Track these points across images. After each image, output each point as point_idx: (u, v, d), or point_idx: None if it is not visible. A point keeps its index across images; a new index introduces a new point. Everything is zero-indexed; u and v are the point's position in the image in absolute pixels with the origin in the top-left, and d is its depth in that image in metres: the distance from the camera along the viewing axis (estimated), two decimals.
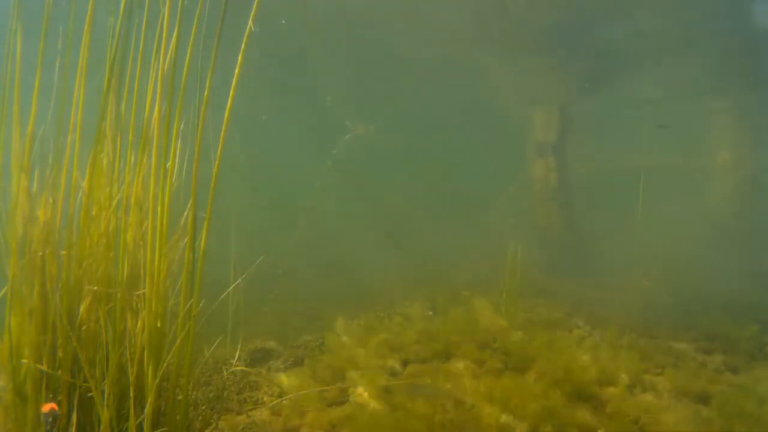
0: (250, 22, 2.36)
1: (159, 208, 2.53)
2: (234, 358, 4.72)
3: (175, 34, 2.52)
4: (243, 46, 2.41)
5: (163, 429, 2.61)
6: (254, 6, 2.35)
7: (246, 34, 2.37)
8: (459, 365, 5.26)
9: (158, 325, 2.55)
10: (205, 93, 2.44)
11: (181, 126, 2.55)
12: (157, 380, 2.52)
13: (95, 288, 2.65)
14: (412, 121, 19.02)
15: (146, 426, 2.50)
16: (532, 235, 12.69)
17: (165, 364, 2.56)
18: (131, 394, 2.43)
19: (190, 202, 2.53)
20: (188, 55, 2.50)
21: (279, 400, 4.15)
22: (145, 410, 2.50)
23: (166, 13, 2.46)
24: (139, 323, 2.60)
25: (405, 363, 5.40)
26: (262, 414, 4.11)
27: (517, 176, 14.71)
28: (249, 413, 4.13)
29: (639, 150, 19.96)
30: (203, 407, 3.69)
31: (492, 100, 15.25)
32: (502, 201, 15.18)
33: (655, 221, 15.64)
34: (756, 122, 14.58)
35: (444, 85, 13.95)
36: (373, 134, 14.53)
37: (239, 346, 5.05)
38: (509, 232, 12.39)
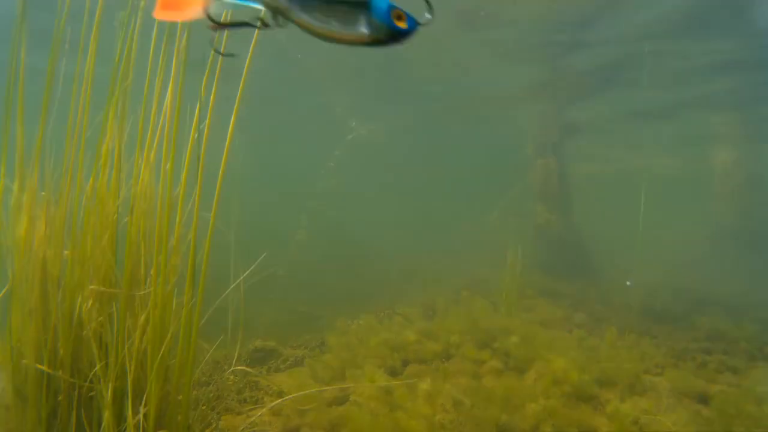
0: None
1: (165, 208, 2.53)
2: (234, 358, 4.72)
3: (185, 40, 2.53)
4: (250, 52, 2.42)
5: (163, 430, 2.62)
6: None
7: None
8: (459, 365, 5.26)
9: (162, 325, 2.55)
10: (212, 97, 2.44)
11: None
12: (157, 379, 2.52)
13: (99, 288, 2.66)
14: (413, 121, 19.04)
15: (147, 427, 2.50)
16: (532, 235, 12.69)
17: (166, 365, 2.56)
18: (130, 395, 2.43)
19: (195, 202, 2.53)
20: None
21: (279, 400, 4.15)
22: (147, 411, 2.50)
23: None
24: (141, 323, 2.60)
25: (405, 363, 5.40)
26: (262, 414, 4.11)
27: (518, 176, 14.72)
28: (249, 413, 4.13)
29: (640, 150, 19.99)
30: (203, 407, 3.69)
31: (493, 101, 15.26)
32: (503, 201, 15.19)
33: (657, 222, 15.66)
34: (757, 122, 14.59)
35: (446, 85, 13.96)
36: (375, 135, 14.54)
37: (239, 346, 5.05)
38: (509, 232, 12.39)
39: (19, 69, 2.72)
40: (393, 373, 5.18)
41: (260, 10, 1.40)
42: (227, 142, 2.48)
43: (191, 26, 2.58)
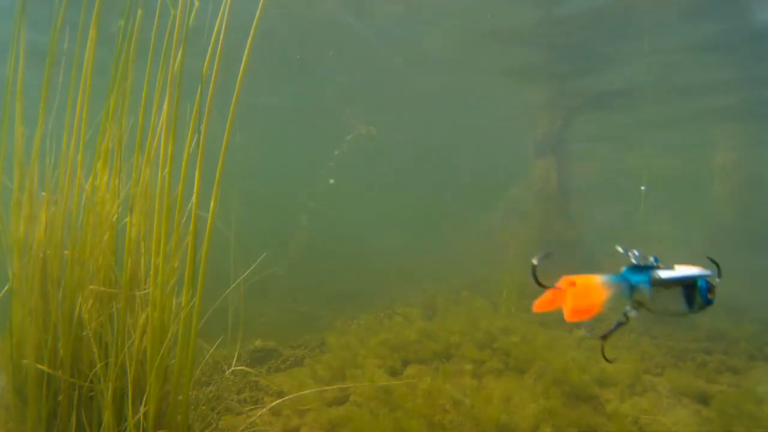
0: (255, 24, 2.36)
1: (164, 208, 2.53)
2: (234, 358, 4.72)
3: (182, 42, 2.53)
4: (247, 49, 2.42)
5: (163, 430, 2.62)
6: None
7: (250, 36, 2.37)
8: (459, 365, 5.26)
9: (162, 326, 2.55)
10: (209, 96, 2.44)
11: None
12: (157, 379, 2.52)
13: (99, 288, 2.66)
14: (415, 121, 19.04)
15: (147, 426, 2.51)
16: (532, 236, 12.68)
17: (166, 365, 2.56)
18: (130, 395, 2.43)
19: (193, 201, 2.53)
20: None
21: (279, 400, 4.15)
22: (147, 411, 2.50)
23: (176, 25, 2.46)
24: (141, 323, 2.60)
25: (405, 363, 5.40)
26: (262, 414, 4.11)
27: (518, 176, 14.73)
28: (249, 413, 4.13)
29: (640, 150, 20.00)
30: (203, 407, 3.69)
31: (493, 104, 15.29)
32: (503, 201, 15.19)
33: (657, 222, 15.66)
34: (756, 122, 14.60)
35: (447, 85, 13.98)
36: (375, 135, 14.54)
37: (239, 346, 5.06)
38: (509, 232, 12.39)
39: (18, 66, 2.72)
40: (393, 373, 5.18)
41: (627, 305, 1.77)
42: (224, 143, 2.48)
43: (189, 27, 2.59)
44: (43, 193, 2.75)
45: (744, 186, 14.61)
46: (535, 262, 1.59)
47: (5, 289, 2.74)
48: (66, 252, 2.72)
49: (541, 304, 1.59)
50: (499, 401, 4.26)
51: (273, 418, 4.16)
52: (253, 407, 4.29)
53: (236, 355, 4.75)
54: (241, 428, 3.81)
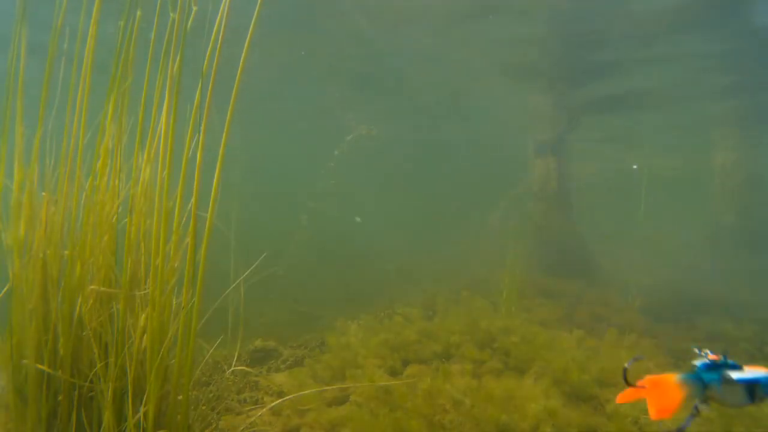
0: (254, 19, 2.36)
1: (163, 208, 2.53)
2: (234, 358, 4.72)
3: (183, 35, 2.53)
4: (246, 48, 2.42)
5: (163, 430, 2.62)
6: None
7: (250, 30, 2.37)
8: (459, 365, 5.26)
9: (161, 326, 2.55)
10: (209, 90, 2.44)
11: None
12: (156, 379, 2.52)
13: (99, 288, 2.66)
14: (415, 121, 19.04)
15: (147, 426, 2.50)
16: (532, 236, 12.69)
17: (166, 365, 2.56)
18: (130, 395, 2.43)
19: (193, 201, 2.53)
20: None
21: (279, 400, 4.15)
22: (147, 411, 2.50)
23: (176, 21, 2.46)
24: (141, 324, 2.60)
25: (405, 363, 5.40)
26: (262, 414, 4.11)
27: (518, 177, 14.74)
28: (249, 413, 4.13)
29: (640, 150, 20.01)
30: (203, 407, 3.69)
31: (492, 104, 15.29)
32: (503, 202, 15.20)
33: (657, 222, 15.68)
34: (756, 123, 14.61)
35: (446, 84, 13.99)
36: (375, 135, 14.56)
37: (239, 346, 5.06)
38: (510, 233, 12.40)
39: (19, 64, 2.72)
40: (393, 373, 5.18)
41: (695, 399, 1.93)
42: (223, 143, 2.48)
43: (188, 31, 2.59)
44: (43, 193, 2.75)
45: (744, 186, 14.63)
46: (627, 365, 1.90)
47: (5, 289, 2.74)
48: (66, 252, 2.72)
49: (623, 397, 1.91)
50: (499, 401, 4.26)
51: (273, 418, 4.16)
52: (253, 407, 4.28)
53: (236, 355, 4.75)
54: (241, 428, 3.81)
